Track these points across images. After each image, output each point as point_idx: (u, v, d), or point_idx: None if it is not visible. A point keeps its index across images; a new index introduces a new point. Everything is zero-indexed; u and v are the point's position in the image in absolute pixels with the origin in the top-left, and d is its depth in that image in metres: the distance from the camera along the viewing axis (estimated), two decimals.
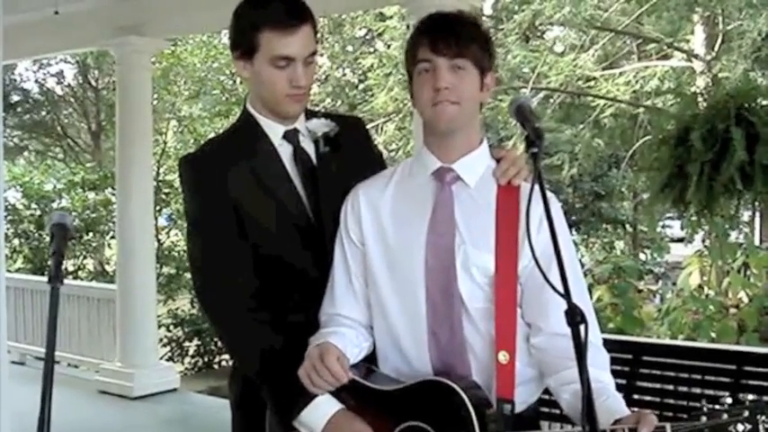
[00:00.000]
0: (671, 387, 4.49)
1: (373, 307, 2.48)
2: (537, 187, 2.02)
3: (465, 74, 2.32)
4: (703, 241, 11.43)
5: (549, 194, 2.06)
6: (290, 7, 2.50)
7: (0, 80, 4.66)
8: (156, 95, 15.93)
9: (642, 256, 18.31)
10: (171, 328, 14.08)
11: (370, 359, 2.52)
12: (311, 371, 2.25)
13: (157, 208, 14.09)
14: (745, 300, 9.60)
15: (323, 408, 2.36)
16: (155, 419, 7.46)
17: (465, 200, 2.39)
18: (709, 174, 6.23)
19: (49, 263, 2.04)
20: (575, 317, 1.84)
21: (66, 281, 2.07)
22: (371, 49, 20.18)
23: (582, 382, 1.81)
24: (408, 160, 2.59)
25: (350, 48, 20.93)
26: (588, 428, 1.83)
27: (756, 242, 14.04)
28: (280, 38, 2.48)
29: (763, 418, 1.95)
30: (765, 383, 4.23)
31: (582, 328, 1.83)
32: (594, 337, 2.26)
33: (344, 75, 21.03)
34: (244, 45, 2.54)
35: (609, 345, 2.36)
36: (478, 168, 2.42)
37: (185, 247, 14.25)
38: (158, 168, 16.10)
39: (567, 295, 1.87)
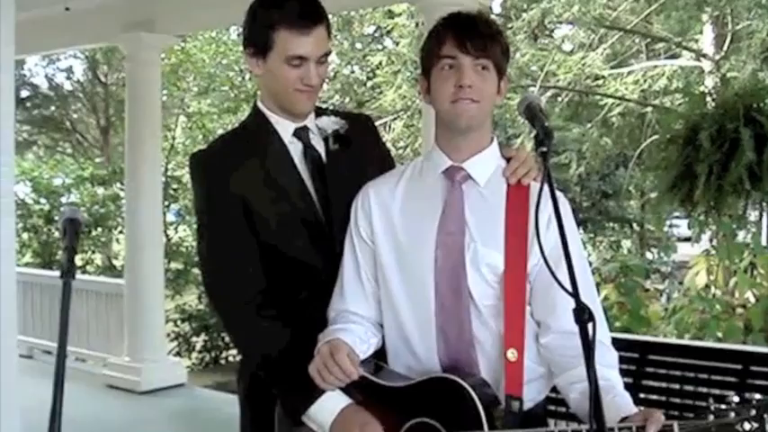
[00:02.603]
0: (677, 386, 4.49)
1: (383, 304, 2.50)
2: (546, 186, 2.03)
3: (487, 74, 2.34)
4: (710, 241, 11.41)
5: (558, 193, 2.08)
6: (305, 7, 2.52)
7: (12, 76, 4.68)
8: (164, 91, 15.97)
9: (649, 255, 18.26)
10: (178, 323, 14.08)
11: (379, 355, 2.54)
12: (322, 367, 2.27)
13: (166, 203, 14.13)
14: (752, 300, 9.57)
15: (331, 403, 2.37)
16: (162, 414, 7.47)
17: (475, 198, 2.40)
18: (717, 173, 6.23)
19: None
20: (582, 315, 1.85)
21: None
22: (380, 47, 20.18)
23: (589, 379, 1.82)
24: (418, 159, 2.61)
25: (359, 45, 20.94)
26: (595, 426, 1.84)
27: (764, 242, 13.97)
28: (294, 38, 2.50)
29: None
30: None
31: (590, 326, 1.85)
32: (603, 336, 2.28)
33: (353, 72, 21.04)
34: (258, 43, 2.55)
35: (615, 343, 2.37)
36: (489, 167, 2.44)
37: (193, 243, 14.33)
38: (167, 164, 16.14)
39: (575, 294, 1.88)
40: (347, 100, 20.19)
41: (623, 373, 2.34)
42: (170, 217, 16.50)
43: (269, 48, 2.53)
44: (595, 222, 19.64)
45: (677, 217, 16.21)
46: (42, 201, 15.62)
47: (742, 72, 13.45)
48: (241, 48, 2.68)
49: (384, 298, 2.49)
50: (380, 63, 17.20)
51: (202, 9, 7.73)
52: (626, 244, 19.41)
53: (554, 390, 2.45)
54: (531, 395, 2.37)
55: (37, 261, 14.83)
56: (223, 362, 14.24)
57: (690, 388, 4.43)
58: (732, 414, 1.98)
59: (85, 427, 6.31)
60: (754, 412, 1.97)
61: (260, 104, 2.71)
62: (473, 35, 2.33)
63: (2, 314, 4.65)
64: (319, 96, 2.72)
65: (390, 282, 2.45)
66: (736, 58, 14.29)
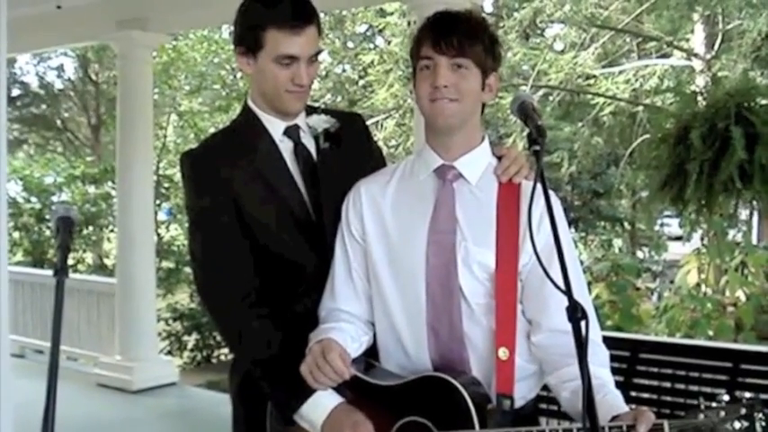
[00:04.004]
0: (668, 384, 4.51)
1: (375, 303, 2.50)
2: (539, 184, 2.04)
3: (466, 73, 2.34)
4: (701, 239, 11.46)
5: (550, 192, 2.08)
6: (296, 7, 2.52)
7: (3, 75, 4.67)
8: (156, 90, 15.95)
9: (640, 254, 18.33)
10: (170, 321, 14.09)
11: (370, 353, 2.54)
12: (313, 367, 2.27)
13: (157, 202, 14.12)
14: (743, 298, 9.62)
15: (323, 402, 2.37)
16: (154, 413, 7.46)
17: (466, 197, 2.41)
18: (708, 172, 6.24)
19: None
20: (575, 313, 1.85)
21: None
22: (372, 46, 20.20)
23: (583, 378, 1.83)
24: (410, 157, 2.61)
25: (350, 44, 20.96)
26: (588, 424, 1.84)
27: (754, 241, 14.06)
28: (285, 38, 2.50)
29: (760, 415, 1.97)
30: (762, 381, 4.25)
31: (582, 324, 1.85)
32: (594, 334, 2.28)
33: (345, 71, 21.04)
34: (248, 42, 2.55)
35: (606, 342, 2.37)
36: (480, 166, 2.44)
37: (185, 242, 14.31)
38: (158, 162, 16.13)
39: (568, 291, 1.89)
40: (339, 99, 20.21)
41: (614, 371, 2.34)
42: (161, 216, 16.50)
43: (259, 47, 2.53)
44: (587, 221, 19.71)
45: (668, 216, 16.28)
46: (33, 199, 15.60)
47: (733, 71, 13.48)
48: (232, 46, 2.68)
49: (375, 296, 2.49)
50: (372, 62, 17.18)
51: (194, 7, 7.72)
52: (617, 243, 19.47)
53: (545, 388, 2.46)
54: (523, 393, 2.38)
55: (28, 260, 14.81)
56: (215, 361, 14.25)
57: (681, 386, 4.46)
58: (722, 413, 1.99)
59: (77, 426, 6.31)
60: (743, 411, 1.98)
61: (250, 103, 2.71)
62: (449, 35, 2.32)
63: None
64: (311, 95, 2.72)
65: (381, 280, 2.45)
66: (726, 58, 14.35)
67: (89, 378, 8.27)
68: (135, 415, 7.39)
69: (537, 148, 2.07)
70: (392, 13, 16.50)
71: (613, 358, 2.38)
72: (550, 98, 16.26)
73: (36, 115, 24.41)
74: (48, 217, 14.84)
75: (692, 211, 6.89)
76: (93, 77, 23.76)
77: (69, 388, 7.39)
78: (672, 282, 13.07)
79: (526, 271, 2.34)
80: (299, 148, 2.67)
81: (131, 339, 8.10)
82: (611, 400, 2.16)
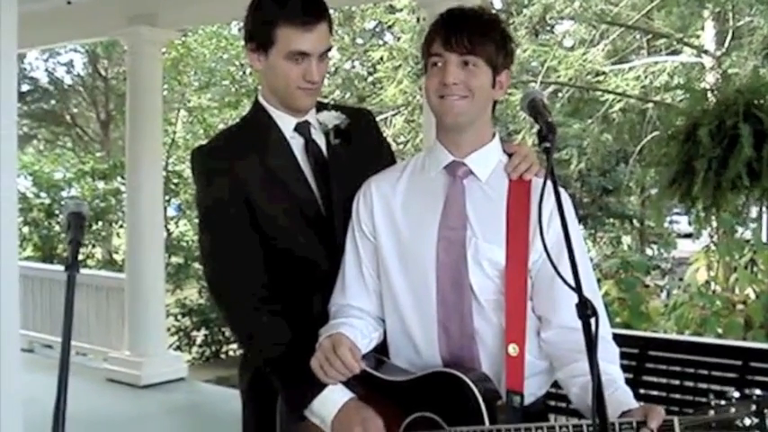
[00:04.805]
0: (677, 382, 4.50)
1: (385, 300, 2.50)
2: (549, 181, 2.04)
3: (476, 70, 2.34)
4: (711, 237, 11.42)
5: (560, 189, 2.08)
6: (308, 4, 2.52)
7: (15, 70, 4.68)
8: (165, 85, 15.96)
9: (649, 251, 18.29)
10: (179, 317, 14.09)
11: (380, 349, 2.54)
12: (324, 362, 2.27)
13: (166, 198, 14.13)
14: (752, 296, 9.58)
15: (334, 397, 2.38)
16: (163, 408, 7.48)
17: (476, 194, 2.41)
18: (716, 170, 6.23)
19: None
20: (585, 309, 1.85)
21: None
22: (381, 42, 20.18)
23: (592, 374, 1.83)
24: (420, 154, 2.61)
25: (360, 40, 20.93)
26: (598, 421, 1.84)
27: (763, 238, 13.99)
28: (296, 34, 2.50)
29: None
30: None
31: (593, 321, 1.85)
32: (604, 331, 2.27)
33: (354, 67, 21.03)
34: (259, 38, 2.55)
35: (616, 339, 2.37)
36: (490, 163, 2.44)
37: (194, 237, 14.30)
38: (167, 158, 16.15)
39: (578, 288, 1.88)
40: (348, 95, 20.19)
41: (623, 368, 2.33)
42: (171, 211, 16.50)
43: (271, 43, 2.53)
44: (596, 218, 19.68)
45: (678, 213, 16.23)
46: (43, 195, 15.62)
47: (743, 68, 13.44)
48: (242, 42, 2.68)
49: (385, 293, 2.49)
50: (381, 58, 17.17)
51: (204, 3, 7.74)
52: (626, 240, 19.43)
53: (554, 385, 2.46)
54: (532, 390, 2.37)
55: (37, 255, 14.84)
56: (223, 356, 14.25)
57: (690, 384, 4.45)
58: (732, 409, 1.99)
59: (86, 421, 6.33)
60: (754, 407, 1.98)
61: (261, 99, 2.71)
62: (460, 33, 2.32)
63: (4, 308, 4.66)
64: (320, 91, 2.72)
65: (392, 277, 2.45)
66: (737, 55, 14.30)
67: (98, 373, 8.30)
68: (144, 410, 7.41)
69: (547, 144, 2.06)
70: (401, 10, 16.49)
71: (622, 356, 2.38)
72: (560, 95, 16.23)
73: (45, 111, 24.49)
74: (57, 212, 14.88)
75: (700, 209, 6.88)
76: (103, 73, 23.83)
77: (78, 383, 7.36)
78: (681, 279, 13.02)
79: (536, 268, 2.34)
80: (310, 145, 2.68)
81: (140, 335, 8.13)
82: (620, 397, 2.15)
